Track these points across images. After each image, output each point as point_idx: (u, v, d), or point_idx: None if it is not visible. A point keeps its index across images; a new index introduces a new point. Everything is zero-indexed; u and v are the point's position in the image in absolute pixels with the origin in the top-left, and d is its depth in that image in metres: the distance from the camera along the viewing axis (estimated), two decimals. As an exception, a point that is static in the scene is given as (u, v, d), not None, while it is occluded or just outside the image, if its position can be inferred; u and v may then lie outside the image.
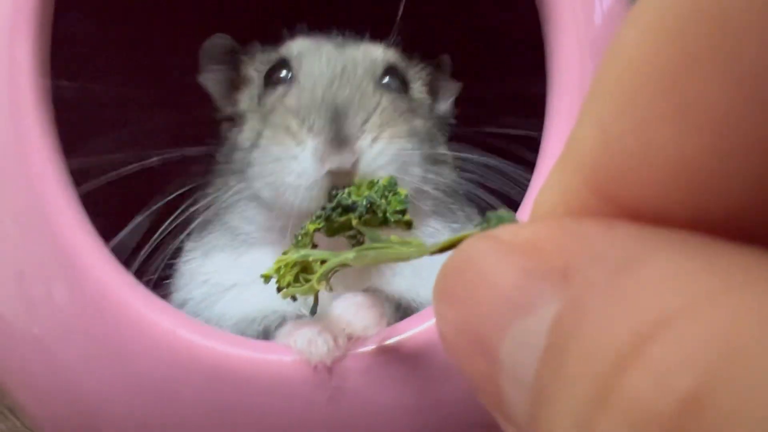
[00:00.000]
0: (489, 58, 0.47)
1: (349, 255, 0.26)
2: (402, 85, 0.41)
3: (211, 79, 0.46)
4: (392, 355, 0.32)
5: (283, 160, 0.35)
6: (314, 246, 0.29)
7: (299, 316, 0.36)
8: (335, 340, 0.31)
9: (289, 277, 0.28)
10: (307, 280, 0.28)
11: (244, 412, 0.31)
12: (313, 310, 0.30)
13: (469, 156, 0.39)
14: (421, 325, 0.32)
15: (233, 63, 0.45)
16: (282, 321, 0.36)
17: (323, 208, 0.30)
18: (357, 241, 0.30)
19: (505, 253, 0.12)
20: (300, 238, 0.29)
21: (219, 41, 0.45)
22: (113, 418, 0.33)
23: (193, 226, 0.40)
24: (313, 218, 0.30)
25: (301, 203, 0.34)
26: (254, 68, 0.44)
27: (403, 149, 0.36)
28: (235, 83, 0.45)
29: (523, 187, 0.37)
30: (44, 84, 0.32)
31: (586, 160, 0.12)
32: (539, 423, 0.11)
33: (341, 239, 0.30)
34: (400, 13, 0.40)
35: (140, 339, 0.31)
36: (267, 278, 0.28)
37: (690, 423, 0.09)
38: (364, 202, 0.29)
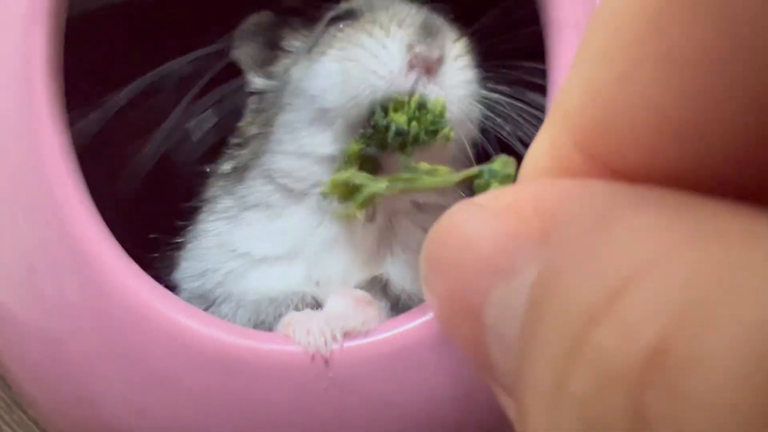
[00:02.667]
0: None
1: (382, 184, 0.28)
2: None
3: (244, 53, 0.44)
4: (389, 349, 0.32)
5: (368, 46, 0.33)
6: (364, 167, 0.31)
7: (315, 301, 0.37)
8: (332, 332, 0.32)
9: (344, 194, 0.29)
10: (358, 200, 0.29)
11: (245, 400, 0.31)
12: (372, 218, 0.33)
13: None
14: (419, 319, 0.33)
15: (271, 40, 0.45)
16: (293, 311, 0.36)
17: (364, 128, 0.31)
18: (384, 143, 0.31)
19: (487, 218, 0.12)
20: (348, 156, 0.31)
21: (256, 18, 0.45)
22: (120, 411, 0.33)
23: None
24: (357, 137, 0.31)
25: (377, 97, 0.32)
26: (297, 38, 0.43)
27: (475, 81, 0.35)
28: (269, 57, 0.44)
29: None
30: (58, 79, 0.33)
31: (571, 115, 0.12)
32: (522, 381, 0.11)
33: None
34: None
35: (149, 332, 0.31)
36: (326, 194, 0.30)
37: (654, 374, 0.09)
38: (394, 128, 0.30)
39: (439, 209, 0.37)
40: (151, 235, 0.40)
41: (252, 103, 0.44)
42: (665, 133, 0.10)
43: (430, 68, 0.33)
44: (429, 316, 0.33)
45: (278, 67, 0.43)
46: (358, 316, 0.33)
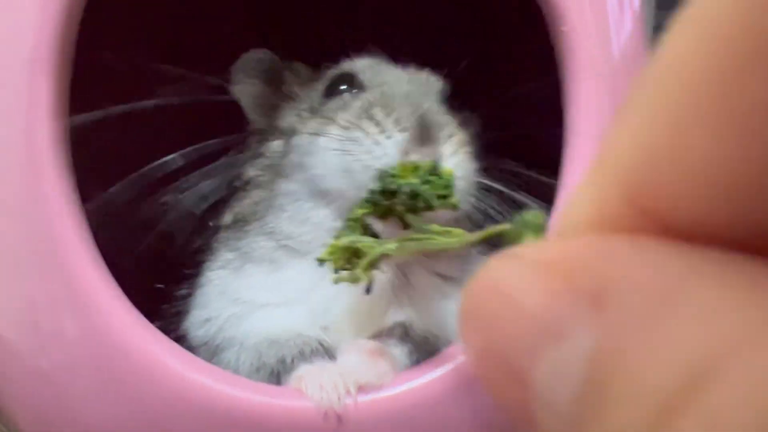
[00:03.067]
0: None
1: (391, 246, 0.27)
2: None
3: (245, 92, 0.45)
4: (405, 404, 0.31)
5: (363, 143, 0.34)
6: (368, 230, 0.29)
7: (322, 347, 0.36)
8: (346, 387, 0.30)
9: (341, 261, 0.29)
10: (356, 266, 0.29)
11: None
12: (369, 290, 0.31)
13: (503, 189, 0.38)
14: (436, 371, 0.32)
15: (271, 78, 0.45)
16: (297, 355, 0.35)
17: (371, 192, 0.30)
18: (407, 224, 0.30)
19: (532, 272, 0.12)
20: (350, 222, 0.30)
21: (258, 56, 0.45)
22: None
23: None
24: (362, 203, 0.30)
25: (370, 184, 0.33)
26: (299, 85, 0.44)
27: (474, 172, 0.36)
28: (270, 99, 0.45)
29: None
30: (62, 123, 0.32)
31: (622, 169, 0.11)
32: None
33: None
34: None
35: (149, 379, 0.30)
36: (322, 261, 0.29)
37: None
38: (407, 189, 0.29)
39: (454, 255, 0.36)
40: (158, 285, 0.39)
41: (252, 143, 0.44)
42: (723, 192, 0.10)
43: None
44: (446, 367, 0.32)
45: (280, 119, 0.43)
46: (372, 369, 0.32)
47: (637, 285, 0.10)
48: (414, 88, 0.38)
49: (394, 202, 0.29)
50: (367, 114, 0.35)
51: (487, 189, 0.38)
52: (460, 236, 0.25)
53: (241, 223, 0.40)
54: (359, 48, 0.42)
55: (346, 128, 0.35)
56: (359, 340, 0.35)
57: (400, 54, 0.43)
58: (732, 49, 0.10)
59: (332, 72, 0.42)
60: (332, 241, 0.29)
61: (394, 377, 0.32)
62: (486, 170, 0.41)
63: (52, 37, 0.30)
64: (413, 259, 0.37)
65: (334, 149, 0.35)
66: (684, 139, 0.10)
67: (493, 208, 0.38)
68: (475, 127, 0.47)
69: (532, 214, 0.21)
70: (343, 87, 0.40)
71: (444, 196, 0.29)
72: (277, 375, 0.36)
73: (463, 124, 0.42)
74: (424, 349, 0.37)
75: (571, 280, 0.11)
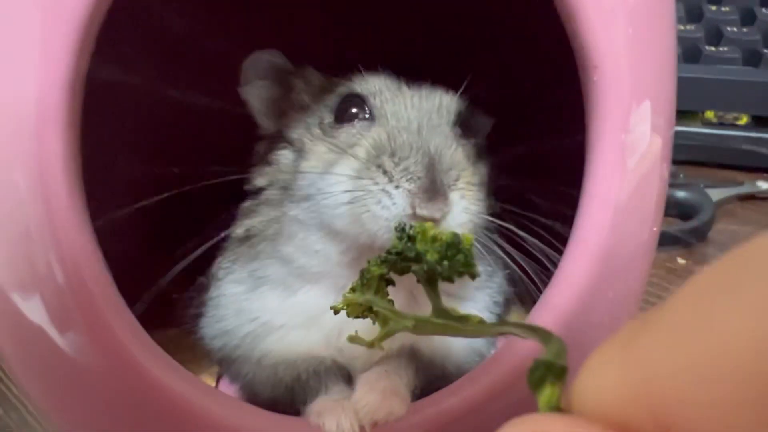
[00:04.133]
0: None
1: (408, 323, 0.27)
2: (464, 132, 0.41)
3: (254, 94, 0.44)
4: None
5: (374, 193, 0.34)
6: (385, 283, 0.30)
7: (336, 363, 0.39)
8: (361, 425, 0.33)
9: (356, 313, 0.29)
10: (373, 320, 0.30)
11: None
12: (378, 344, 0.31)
13: (514, 229, 0.38)
14: (446, 400, 0.34)
15: (280, 81, 0.44)
16: (312, 374, 0.38)
17: (389, 252, 0.30)
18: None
19: None
20: (366, 280, 0.30)
21: (268, 56, 0.44)
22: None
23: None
24: (378, 261, 0.30)
25: (382, 235, 0.34)
26: (309, 94, 0.43)
27: (481, 212, 0.37)
28: (279, 103, 0.44)
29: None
30: (75, 168, 0.31)
31: (653, 385, 0.13)
32: None
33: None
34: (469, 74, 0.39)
35: (172, 415, 0.32)
36: (337, 311, 0.30)
37: None
38: (428, 260, 0.29)
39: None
40: (175, 296, 0.40)
41: (260, 147, 0.44)
42: None
43: (433, 219, 0.34)
44: (458, 397, 0.34)
45: (290, 128, 0.42)
46: (386, 407, 0.34)
47: None
48: (425, 119, 0.38)
49: (410, 267, 0.29)
50: (377, 162, 0.35)
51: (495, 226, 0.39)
52: (478, 325, 0.26)
53: (252, 238, 0.41)
54: (372, 48, 0.41)
55: (356, 177, 0.35)
56: (374, 373, 0.37)
57: (417, 57, 0.42)
58: None
59: (343, 89, 0.41)
60: (347, 294, 0.29)
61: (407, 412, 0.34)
62: (498, 194, 0.42)
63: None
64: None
65: (344, 192, 0.35)
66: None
67: (499, 245, 0.39)
68: (491, 139, 0.48)
69: (554, 349, 0.22)
70: (354, 110, 0.39)
71: (464, 270, 0.30)
72: (291, 389, 0.39)
73: (476, 149, 0.43)
74: (430, 369, 0.40)
75: None
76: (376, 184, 0.34)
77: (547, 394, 0.21)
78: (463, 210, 0.35)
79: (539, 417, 0.16)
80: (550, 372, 0.22)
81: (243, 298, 0.40)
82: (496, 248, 0.38)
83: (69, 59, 0.27)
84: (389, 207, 0.34)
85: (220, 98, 0.44)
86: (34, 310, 0.29)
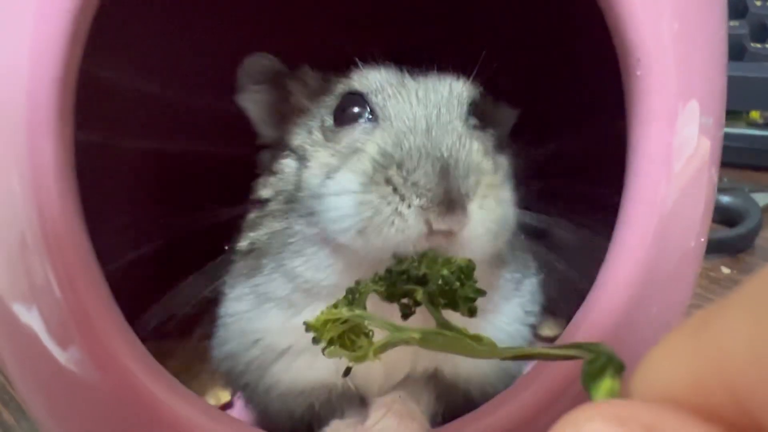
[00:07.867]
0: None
1: (415, 335, 0.24)
2: (481, 121, 0.37)
3: (251, 101, 0.41)
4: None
5: (385, 214, 0.30)
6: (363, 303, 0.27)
7: (345, 392, 0.37)
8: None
9: (333, 333, 0.25)
10: (352, 341, 0.26)
11: None
12: (346, 373, 0.28)
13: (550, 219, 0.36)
14: (467, 427, 0.32)
15: (277, 85, 0.41)
16: (325, 403, 0.36)
17: (388, 271, 0.27)
18: (408, 309, 0.27)
19: None
20: (355, 295, 0.27)
21: (262, 60, 0.41)
22: None
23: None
24: (375, 278, 0.27)
25: (397, 254, 0.30)
26: (307, 96, 0.40)
27: (505, 215, 0.33)
28: (278, 108, 0.41)
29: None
30: (69, 175, 0.29)
31: (733, 368, 0.12)
32: None
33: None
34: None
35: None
36: (311, 328, 0.26)
37: None
38: (439, 280, 0.27)
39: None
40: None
41: (264, 157, 0.41)
42: None
43: (450, 234, 0.30)
44: (481, 423, 0.33)
45: (291, 135, 0.39)
46: (402, 431, 0.32)
47: None
48: (434, 116, 0.33)
49: (414, 289, 0.27)
50: (384, 175, 0.31)
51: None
52: (491, 347, 0.23)
53: (256, 252, 0.38)
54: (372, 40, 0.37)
55: (362, 192, 0.31)
56: (391, 397, 0.35)
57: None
58: None
59: (342, 87, 0.37)
60: (327, 310, 0.26)
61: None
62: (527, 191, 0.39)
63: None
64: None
65: (351, 207, 0.31)
66: None
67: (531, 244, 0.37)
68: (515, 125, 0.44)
69: (607, 349, 0.20)
70: (355, 110, 0.35)
71: (471, 300, 0.27)
72: (304, 418, 0.37)
73: (498, 140, 0.39)
74: (453, 394, 0.37)
75: None
76: (388, 204, 0.30)
77: (607, 385, 0.20)
78: (481, 223, 0.31)
79: (618, 402, 0.15)
80: (611, 363, 0.20)
81: (246, 317, 0.38)
82: (526, 248, 0.36)
83: (60, 53, 0.26)
84: (403, 230, 0.30)
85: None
86: (32, 321, 0.28)
